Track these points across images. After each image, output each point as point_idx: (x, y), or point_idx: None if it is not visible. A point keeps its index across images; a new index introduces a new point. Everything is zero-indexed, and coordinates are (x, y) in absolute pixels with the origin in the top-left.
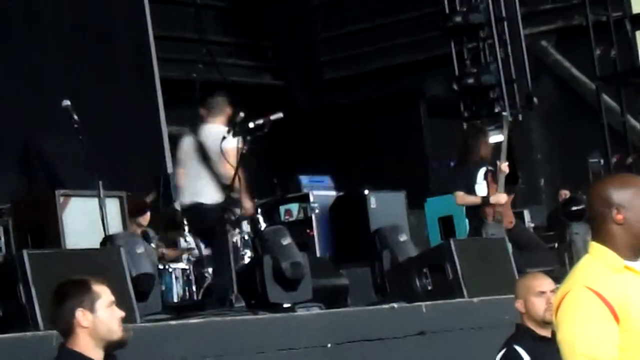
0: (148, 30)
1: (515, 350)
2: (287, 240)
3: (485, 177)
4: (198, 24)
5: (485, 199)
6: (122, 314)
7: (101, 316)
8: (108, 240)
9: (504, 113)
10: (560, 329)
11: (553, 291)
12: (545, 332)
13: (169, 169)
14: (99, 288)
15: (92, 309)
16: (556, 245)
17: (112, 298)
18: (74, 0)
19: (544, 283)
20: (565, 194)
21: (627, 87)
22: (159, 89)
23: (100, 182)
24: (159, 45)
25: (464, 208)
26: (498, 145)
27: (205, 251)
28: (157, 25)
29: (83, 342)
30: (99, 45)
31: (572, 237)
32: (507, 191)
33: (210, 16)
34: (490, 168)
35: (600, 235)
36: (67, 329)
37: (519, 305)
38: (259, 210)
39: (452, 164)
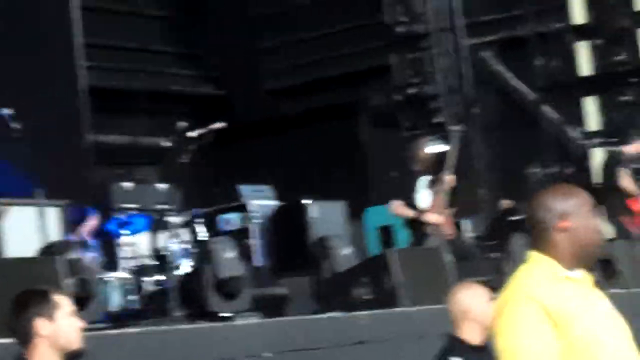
0: (77, 39)
1: None
2: (229, 252)
3: (430, 187)
4: (141, 34)
5: (418, 214)
6: (81, 323)
7: (61, 325)
8: (46, 248)
9: (454, 127)
10: (500, 338)
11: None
12: (478, 341)
13: (96, 179)
14: (59, 298)
15: (51, 318)
16: (496, 255)
17: (72, 308)
18: (6, 9)
19: (488, 291)
20: (506, 204)
21: (567, 98)
22: (86, 97)
23: (40, 191)
24: (102, 54)
25: (405, 221)
26: (441, 155)
27: (145, 260)
28: (100, 34)
29: (42, 352)
30: (30, 54)
31: (512, 247)
32: (450, 202)
33: (154, 26)
34: (433, 178)
35: (542, 244)
36: (26, 338)
37: (465, 314)
38: (198, 220)
39: (394, 174)
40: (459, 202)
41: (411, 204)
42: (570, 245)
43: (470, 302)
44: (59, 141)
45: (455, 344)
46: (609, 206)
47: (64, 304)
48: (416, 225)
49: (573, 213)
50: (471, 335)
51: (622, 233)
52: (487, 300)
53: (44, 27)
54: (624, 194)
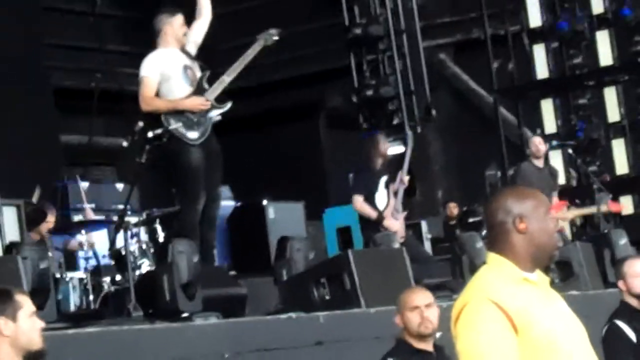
0: (42, 40)
1: None
2: (191, 251)
3: (386, 187)
4: (97, 33)
5: (380, 218)
6: (42, 324)
7: (23, 326)
8: (5, 248)
9: (408, 132)
10: (459, 340)
11: (428, 305)
12: (425, 346)
13: (65, 178)
14: (21, 297)
15: (14, 318)
16: (451, 256)
17: (34, 308)
18: None
19: (418, 297)
20: (453, 206)
21: (524, 100)
22: (53, 98)
23: None
24: (58, 54)
25: (359, 218)
26: (398, 157)
27: (103, 260)
28: (55, 34)
29: (3, 352)
30: None
31: (470, 249)
32: (404, 204)
33: (109, 25)
34: (388, 179)
35: (500, 246)
36: None
37: (398, 320)
38: (157, 220)
39: (351, 175)
40: (415, 204)
41: (372, 203)
42: (528, 247)
43: (408, 307)
44: (19, 141)
45: (399, 347)
46: None
47: (25, 304)
48: (369, 225)
49: (530, 215)
50: (414, 339)
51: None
52: (424, 306)
53: (11, 27)
54: None
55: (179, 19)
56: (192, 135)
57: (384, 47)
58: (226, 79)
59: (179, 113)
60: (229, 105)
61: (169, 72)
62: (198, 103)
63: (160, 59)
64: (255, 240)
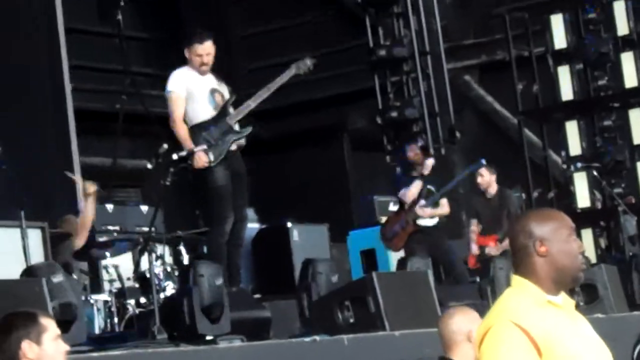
0: (62, 60)
1: None
2: (212, 274)
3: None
4: (122, 55)
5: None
6: (67, 347)
7: (47, 349)
8: (27, 271)
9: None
10: None
11: None
12: None
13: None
14: (46, 321)
15: (38, 341)
16: (478, 279)
17: (58, 331)
18: None
19: (478, 315)
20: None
21: (549, 122)
22: (72, 119)
23: (22, 212)
24: (82, 76)
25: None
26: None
27: (127, 282)
28: (80, 56)
29: None
30: (13, 75)
31: (495, 271)
32: None
33: (134, 47)
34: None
35: (523, 269)
36: None
37: (460, 337)
38: (182, 243)
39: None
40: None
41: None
42: (550, 270)
43: (467, 326)
44: (45, 163)
45: None
46: None
47: (50, 327)
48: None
49: (551, 237)
50: (463, 359)
51: None
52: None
53: (32, 49)
54: None
55: (197, 48)
56: (210, 156)
57: (408, 68)
58: (252, 104)
59: (200, 135)
60: (248, 130)
61: (195, 92)
62: (202, 160)
63: (187, 76)
64: (280, 262)
